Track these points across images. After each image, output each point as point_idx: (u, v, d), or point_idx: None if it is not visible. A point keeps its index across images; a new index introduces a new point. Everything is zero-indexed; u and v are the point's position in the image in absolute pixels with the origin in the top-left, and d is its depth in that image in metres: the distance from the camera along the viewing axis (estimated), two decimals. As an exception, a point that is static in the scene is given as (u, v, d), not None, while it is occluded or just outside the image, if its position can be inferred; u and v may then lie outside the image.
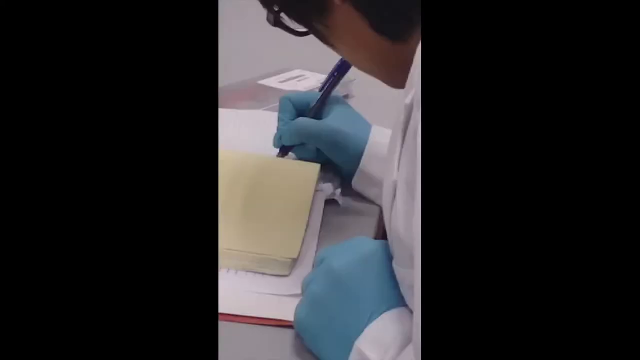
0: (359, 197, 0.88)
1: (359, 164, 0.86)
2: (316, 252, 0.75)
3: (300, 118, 0.89)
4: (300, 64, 1.25)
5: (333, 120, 0.88)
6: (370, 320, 0.59)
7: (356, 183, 0.87)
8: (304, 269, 0.72)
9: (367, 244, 0.64)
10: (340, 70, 0.90)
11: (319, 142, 0.87)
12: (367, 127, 0.88)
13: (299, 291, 0.66)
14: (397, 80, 0.62)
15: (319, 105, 0.90)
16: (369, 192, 0.86)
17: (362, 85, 1.12)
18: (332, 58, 0.91)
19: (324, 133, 0.86)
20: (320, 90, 0.91)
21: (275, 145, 0.91)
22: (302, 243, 0.76)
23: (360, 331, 0.59)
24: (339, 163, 0.88)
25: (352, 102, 0.95)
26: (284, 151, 0.91)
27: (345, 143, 0.86)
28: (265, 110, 1.07)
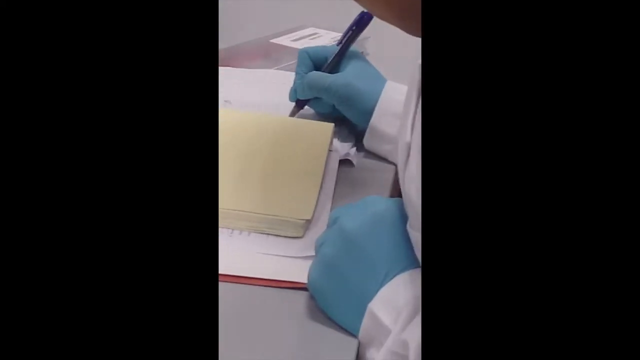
0: (374, 155, 0.87)
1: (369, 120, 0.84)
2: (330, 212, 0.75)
3: (314, 71, 0.88)
4: (313, 22, 1.24)
5: (347, 74, 0.87)
6: (383, 282, 0.58)
7: (367, 139, 0.86)
8: (318, 230, 0.71)
9: (380, 203, 0.63)
10: (359, 25, 0.89)
11: (331, 95, 0.86)
12: (383, 83, 0.86)
13: (313, 253, 0.65)
14: (419, 31, 0.60)
15: (335, 59, 0.89)
16: (380, 149, 0.85)
17: (377, 43, 1.10)
18: (346, 16, 0.90)
19: (335, 86, 0.85)
20: (338, 45, 0.90)
21: (290, 99, 0.91)
22: (316, 204, 0.75)
23: (373, 293, 0.58)
24: (351, 118, 0.87)
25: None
26: (299, 105, 0.91)
27: (357, 97, 0.85)
28: (277, 69, 1.06)
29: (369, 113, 0.84)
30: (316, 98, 0.89)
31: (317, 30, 1.21)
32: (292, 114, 0.91)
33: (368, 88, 0.85)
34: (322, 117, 0.91)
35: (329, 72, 0.88)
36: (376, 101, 0.84)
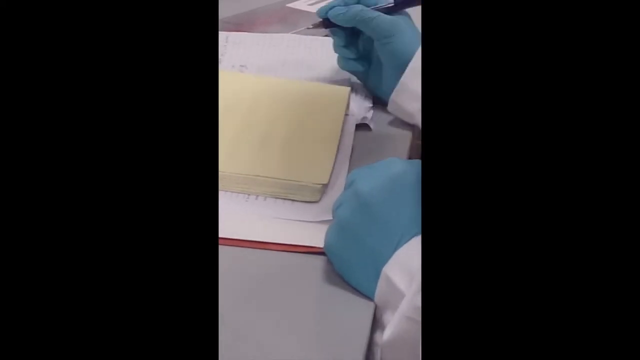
0: (392, 122, 0.86)
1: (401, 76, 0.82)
2: (347, 177, 0.74)
3: (361, 5, 0.84)
4: (331, -15, 1.22)
5: (393, 17, 0.84)
6: (399, 244, 0.58)
7: (395, 96, 0.83)
8: (335, 195, 0.71)
9: (397, 165, 0.62)
10: None
11: (373, 28, 0.83)
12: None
13: (329, 217, 0.65)
14: None
15: (388, 7, 0.84)
16: (408, 106, 0.82)
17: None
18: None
19: (381, 19, 0.82)
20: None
21: (320, 14, 0.87)
22: (333, 168, 0.74)
23: (388, 256, 0.58)
24: (383, 59, 0.84)
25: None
26: (324, 25, 0.87)
27: (398, 36, 0.82)
28: (294, 33, 1.05)
29: (400, 60, 0.82)
30: (340, 30, 0.86)
31: (334, -6, 1.20)
32: (313, 27, 0.88)
33: (410, 37, 0.83)
34: (338, 82, 0.90)
35: None
36: (412, 56, 0.82)
